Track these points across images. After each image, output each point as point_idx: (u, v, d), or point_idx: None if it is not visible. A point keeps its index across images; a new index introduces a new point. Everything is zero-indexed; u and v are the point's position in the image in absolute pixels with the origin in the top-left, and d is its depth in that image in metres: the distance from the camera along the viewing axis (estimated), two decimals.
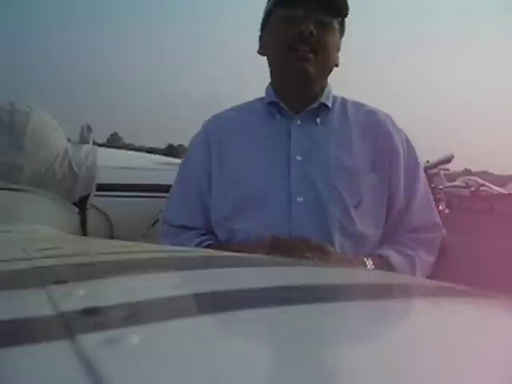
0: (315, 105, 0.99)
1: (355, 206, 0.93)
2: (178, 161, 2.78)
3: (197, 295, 0.33)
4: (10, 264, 0.44)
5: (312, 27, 0.92)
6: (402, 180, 0.99)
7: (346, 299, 0.35)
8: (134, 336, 0.21)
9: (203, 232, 1.01)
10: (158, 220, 2.05)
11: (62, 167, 1.10)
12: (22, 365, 0.19)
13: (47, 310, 0.25)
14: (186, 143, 1.17)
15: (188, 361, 0.20)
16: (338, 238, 0.92)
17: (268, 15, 1.01)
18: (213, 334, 0.24)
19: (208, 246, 0.98)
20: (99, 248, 0.69)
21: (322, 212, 0.92)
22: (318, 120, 1.00)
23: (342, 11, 0.97)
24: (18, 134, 1.01)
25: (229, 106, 1.11)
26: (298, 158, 0.95)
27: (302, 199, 0.92)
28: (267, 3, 1.02)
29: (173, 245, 1.00)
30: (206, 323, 0.26)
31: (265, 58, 1.04)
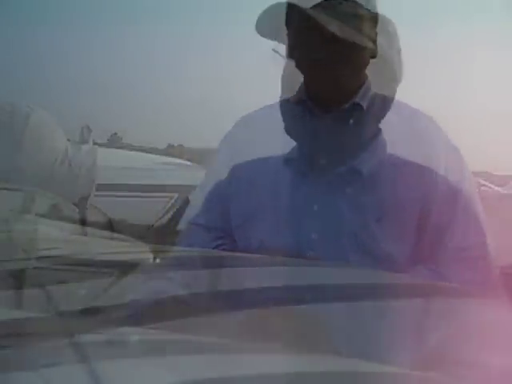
0: (347, 104, 0.89)
1: (378, 220, 0.83)
2: (178, 161, 2.79)
3: (197, 295, 0.33)
4: (10, 264, 0.44)
5: (335, 27, 0.86)
6: (439, 191, 0.86)
7: (349, 299, 0.35)
8: (134, 336, 0.21)
9: (221, 235, 0.98)
10: (157, 220, 2.06)
11: (62, 167, 1.10)
12: (22, 365, 0.19)
13: (47, 310, 0.25)
14: (186, 143, 1.16)
15: (188, 361, 0.20)
16: (353, 256, 0.83)
17: (288, 23, 0.96)
18: (213, 334, 0.24)
19: None
20: (99, 248, 0.68)
21: (338, 226, 0.86)
22: (351, 121, 0.90)
23: None
24: (17, 134, 1.01)
25: (229, 106, 1.11)
26: (322, 161, 0.88)
27: (316, 207, 0.87)
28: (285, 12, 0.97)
29: (188, 244, 0.98)
30: (206, 323, 0.26)
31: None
